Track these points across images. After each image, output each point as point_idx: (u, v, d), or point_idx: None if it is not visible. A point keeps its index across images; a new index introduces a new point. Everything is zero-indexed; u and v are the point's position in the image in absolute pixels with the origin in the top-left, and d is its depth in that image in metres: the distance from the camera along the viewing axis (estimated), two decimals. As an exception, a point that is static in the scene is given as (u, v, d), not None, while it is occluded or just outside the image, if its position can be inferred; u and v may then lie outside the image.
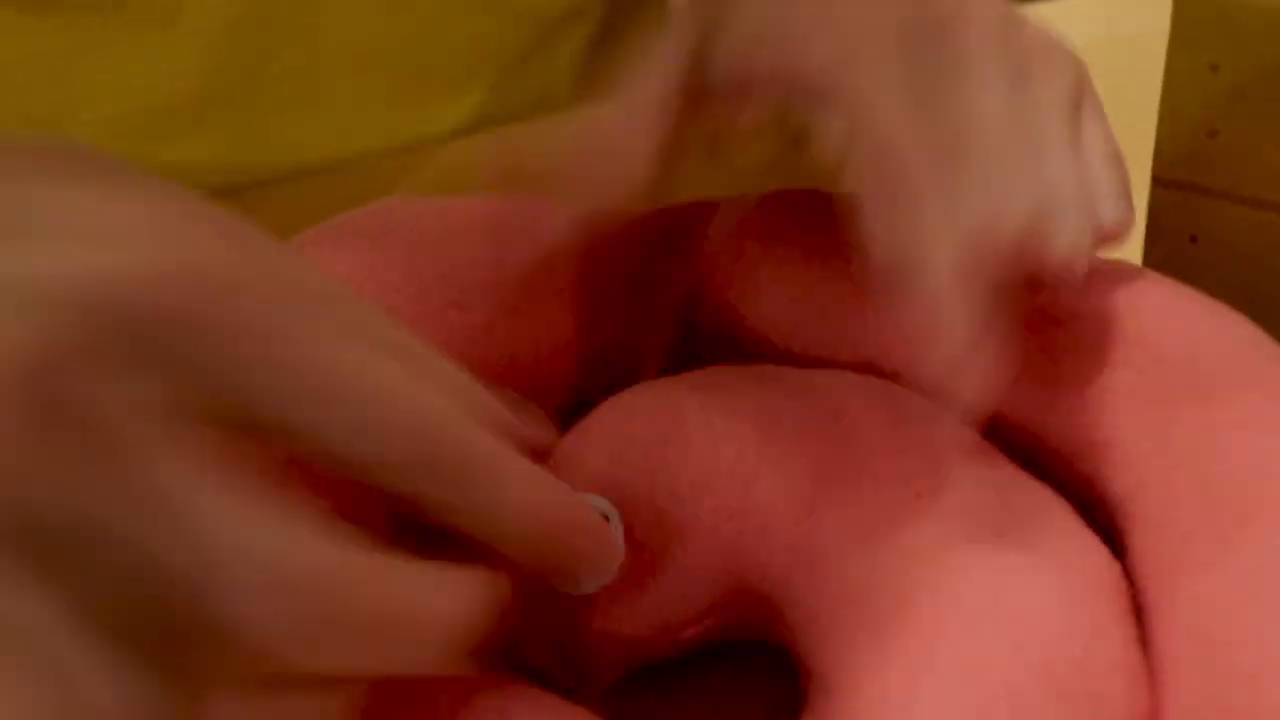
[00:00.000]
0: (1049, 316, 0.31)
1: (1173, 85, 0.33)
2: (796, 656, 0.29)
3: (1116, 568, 0.28)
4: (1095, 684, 0.26)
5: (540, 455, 0.28)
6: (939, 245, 0.26)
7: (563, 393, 0.35)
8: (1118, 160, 0.30)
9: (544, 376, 0.35)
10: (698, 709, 0.31)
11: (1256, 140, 0.32)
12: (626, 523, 0.30)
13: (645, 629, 0.30)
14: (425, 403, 0.22)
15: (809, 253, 0.34)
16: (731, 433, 0.30)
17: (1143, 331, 0.31)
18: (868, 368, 0.33)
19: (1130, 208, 0.30)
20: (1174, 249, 0.35)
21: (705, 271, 0.35)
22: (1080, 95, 0.30)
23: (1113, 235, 0.29)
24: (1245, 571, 0.26)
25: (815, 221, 0.35)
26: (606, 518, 0.30)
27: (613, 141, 0.30)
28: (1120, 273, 0.33)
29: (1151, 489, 0.29)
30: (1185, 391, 0.30)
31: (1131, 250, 0.35)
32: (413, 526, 0.24)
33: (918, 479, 0.29)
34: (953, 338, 0.26)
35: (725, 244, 0.35)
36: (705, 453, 0.30)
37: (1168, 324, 0.31)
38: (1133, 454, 0.30)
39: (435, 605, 0.22)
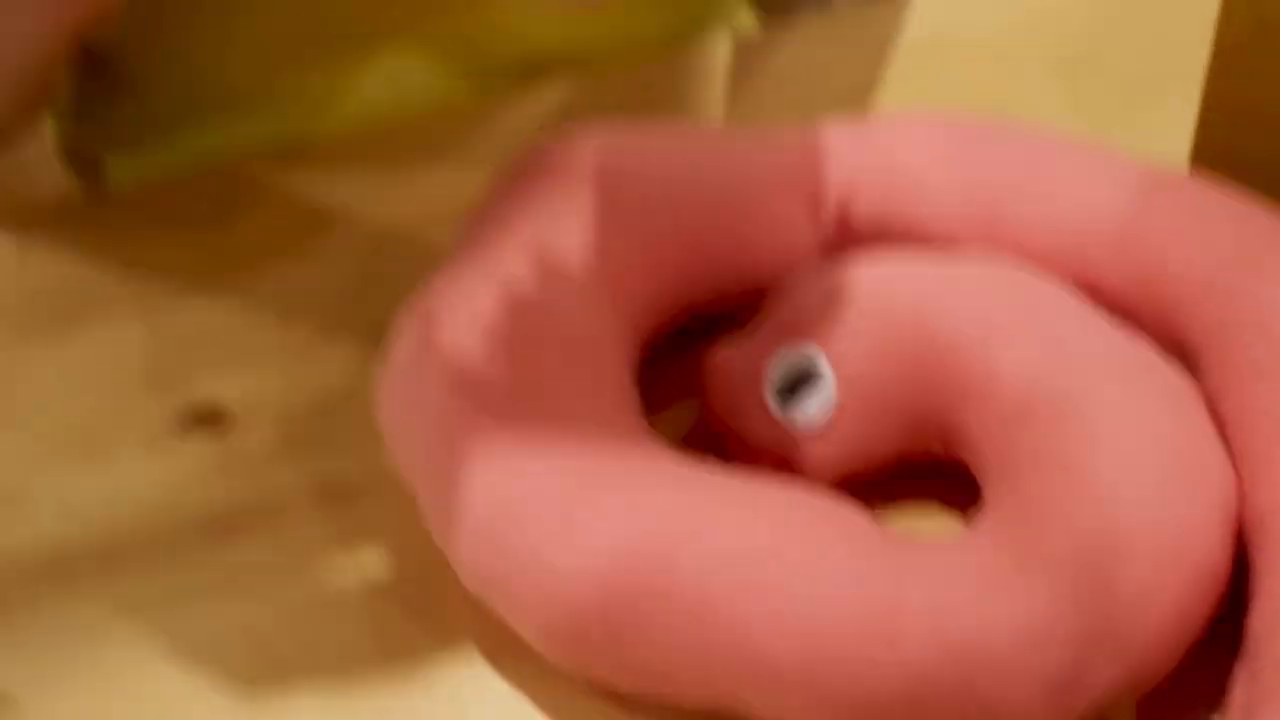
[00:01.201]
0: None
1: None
2: (974, 465, 0.39)
3: (1197, 388, 0.39)
4: (1207, 469, 0.36)
5: None
6: None
7: (748, 294, 0.44)
8: None
9: (732, 280, 0.44)
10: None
11: None
12: (836, 368, 0.40)
13: (851, 458, 0.40)
14: None
15: (949, 149, 0.44)
16: (916, 292, 0.40)
17: (1198, 223, 0.42)
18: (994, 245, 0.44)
19: None
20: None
21: (857, 170, 0.45)
22: None
23: None
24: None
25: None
26: (819, 366, 0.40)
27: None
28: (1170, 180, 0.43)
29: (1221, 335, 0.40)
30: (1238, 263, 0.40)
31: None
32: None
33: (1059, 324, 0.39)
34: None
35: (874, 149, 0.45)
36: (892, 311, 0.40)
37: (1217, 214, 0.42)
38: (1204, 311, 0.40)
39: None
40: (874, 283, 0.41)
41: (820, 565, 0.34)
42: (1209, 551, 0.35)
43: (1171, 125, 0.50)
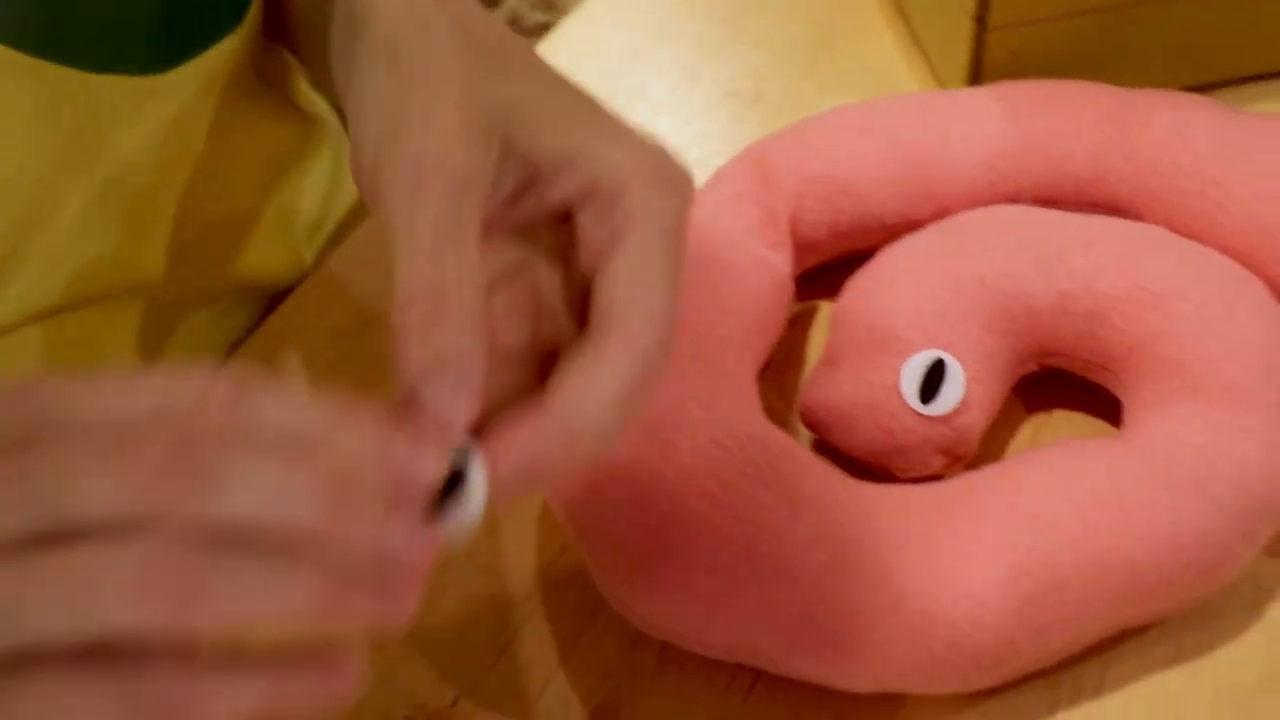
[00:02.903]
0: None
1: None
2: (1073, 367, 0.47)
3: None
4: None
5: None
6: None
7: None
8: None
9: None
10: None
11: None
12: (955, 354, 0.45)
13: (988, 413, 0.46)
14: None
15: (855, 142, 0.50)
16: (964, 259, 0.46)
17: (1064, 107, 0.51)
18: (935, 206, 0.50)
19: None
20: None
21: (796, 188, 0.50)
22: None
23: None
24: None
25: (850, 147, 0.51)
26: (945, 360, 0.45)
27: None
28: (1018, 89, 0.52)
29: (1140, 177, 0.49)
30: (1121, 121, 0.50)
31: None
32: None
33: (1071, 232, 0.47)
34: None
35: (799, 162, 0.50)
36: (961, 285, 0.46)
37: (1072, 96, 0.51)
38: (1121, 168, 0.50)
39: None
40: (921, 270, 0.46)
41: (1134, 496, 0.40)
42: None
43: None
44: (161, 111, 0.46)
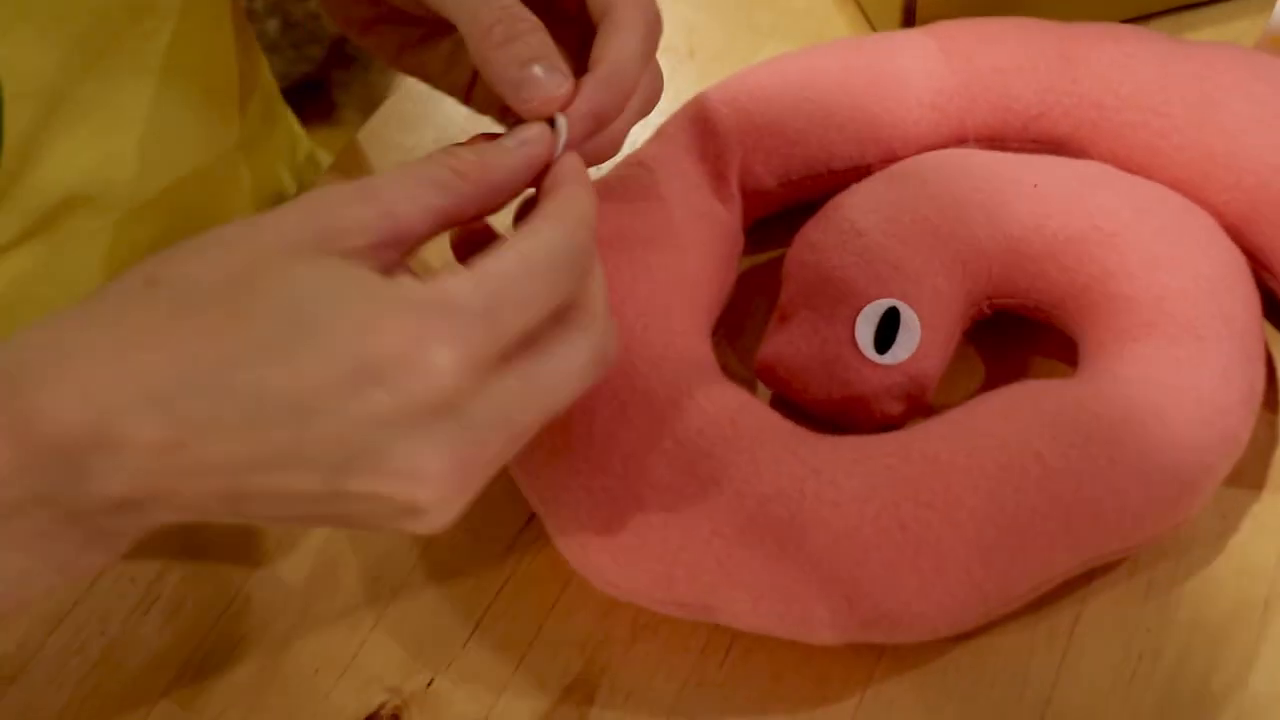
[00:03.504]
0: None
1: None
2: (1029, 306, 0.47)
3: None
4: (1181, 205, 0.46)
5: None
6: None
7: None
8: None
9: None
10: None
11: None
12: (911, 302, 0.45)
13: (945, 358, 0.46)
14: None
15: (798, 111, 0.50)
16: (915, 209, 0.46)
17: (1006, 46, 0.50)
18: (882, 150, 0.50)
19: None
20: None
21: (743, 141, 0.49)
22: None
23: None
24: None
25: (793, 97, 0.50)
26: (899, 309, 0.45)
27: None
28: (951, 27, 0.52)
29: (1082, 112, 0.49)
30: (1061, 59, 0.50)
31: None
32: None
33: (1019, 172, 0.47)
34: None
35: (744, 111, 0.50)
36: (911, 233, 0.46)
37: (1013, 34, 0.51)
38: (1064, 106, 0.50)
39: None
40: (871, 219, 0.46)
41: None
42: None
43: None
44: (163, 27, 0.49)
